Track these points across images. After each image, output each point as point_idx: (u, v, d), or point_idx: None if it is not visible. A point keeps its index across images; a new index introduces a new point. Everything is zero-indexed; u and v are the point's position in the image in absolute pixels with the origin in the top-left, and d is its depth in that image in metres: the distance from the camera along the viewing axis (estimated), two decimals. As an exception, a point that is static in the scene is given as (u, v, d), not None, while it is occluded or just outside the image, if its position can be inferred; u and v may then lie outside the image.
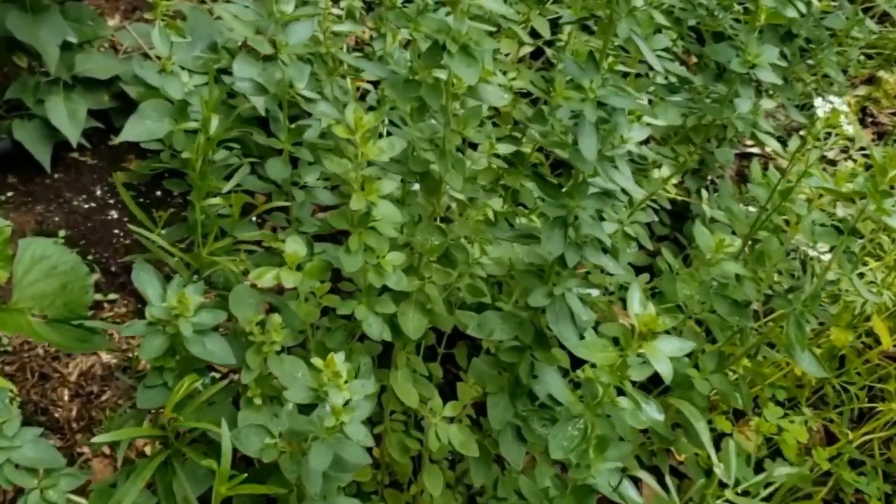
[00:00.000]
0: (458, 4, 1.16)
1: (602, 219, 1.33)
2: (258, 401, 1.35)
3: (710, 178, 2.00)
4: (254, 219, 1.75)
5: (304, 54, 1.35)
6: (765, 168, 1.63)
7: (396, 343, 1.36)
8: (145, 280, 1.33)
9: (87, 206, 2.24)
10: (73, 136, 2.19)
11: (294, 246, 1.28)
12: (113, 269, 2.11)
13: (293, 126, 1.43)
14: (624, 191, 1.26)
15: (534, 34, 2.09)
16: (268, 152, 1.42)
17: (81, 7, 2.26)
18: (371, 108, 1.59)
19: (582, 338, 1.31)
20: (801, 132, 1.79)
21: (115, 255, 2.14)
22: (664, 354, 1.00)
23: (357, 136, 1.10)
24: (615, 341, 1.04)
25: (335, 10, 1.48)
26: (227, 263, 1.36)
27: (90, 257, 2.12)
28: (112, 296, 2.07)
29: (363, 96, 1.63)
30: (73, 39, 2.21)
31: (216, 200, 1.34)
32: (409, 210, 1.30)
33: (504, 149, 1.36)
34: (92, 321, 1.50)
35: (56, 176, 2.31)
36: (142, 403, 1.32)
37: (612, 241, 1.37)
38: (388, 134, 1.55)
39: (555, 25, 2.11)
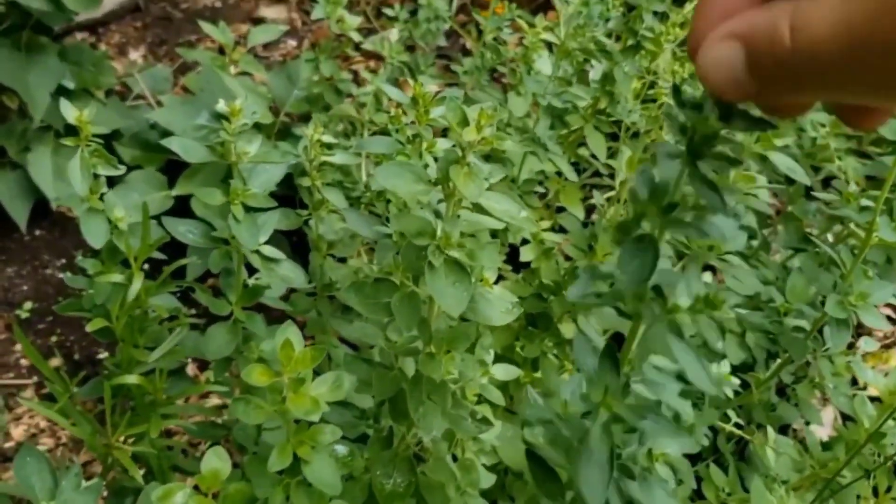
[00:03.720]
0: (452, 198, 0.83)
1: None
2: None
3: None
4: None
5: (269, 203, 1.04)
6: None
7: None
8: (30, 471, 1.04)
9: (62, 275, 1.97)
10: (54, 195, 1.92)
11: (213, 462, 0.97)
12: (76, 356, 1.84)
13: (251, 283, 1.13)
14: None
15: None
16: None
17: (83, 49, 2.00)
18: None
19: None
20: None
21: (82, 339, 1.86)
22: None
23: (285, 378, 0.78)
24: None
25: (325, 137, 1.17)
26: (129, 465, 1.06)
27: (53, 338, 1.86)
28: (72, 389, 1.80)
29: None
30: (69, 85, 1.95)
31: (133, 380, 1.05)
32: (367, 427, 0.99)
33: (503, 373, 1.03)
34: (-11, 480, 1.22)
35: (37, 233, 2.05)
36: None
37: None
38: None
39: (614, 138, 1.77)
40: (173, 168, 1.92)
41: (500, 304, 0.92)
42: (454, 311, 0.81)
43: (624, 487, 0.80)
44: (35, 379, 1.78)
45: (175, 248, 1.23)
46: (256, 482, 0.93)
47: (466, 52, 2.48)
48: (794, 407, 1.60)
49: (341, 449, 0.95)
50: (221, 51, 2.23)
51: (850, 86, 0.38)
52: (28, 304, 1.89)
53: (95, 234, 1.04)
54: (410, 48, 2.07)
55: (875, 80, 0.37)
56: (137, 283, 1.02)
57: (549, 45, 1.45)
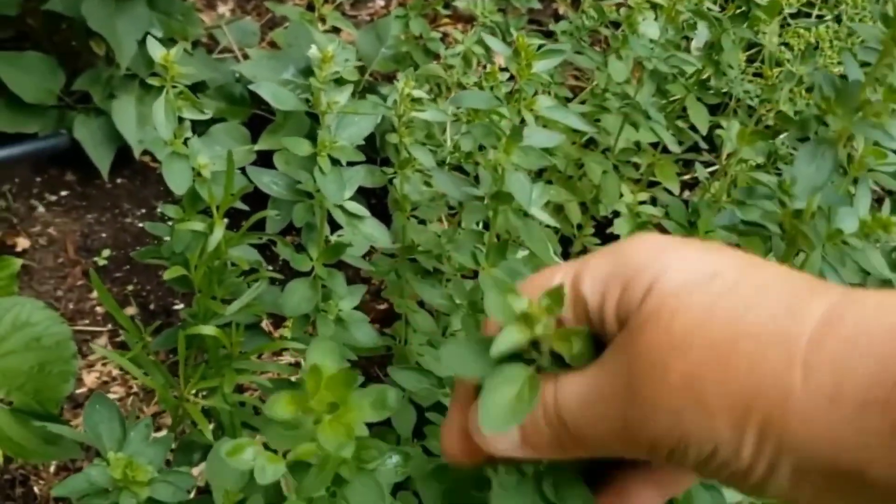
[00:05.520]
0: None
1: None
2: None
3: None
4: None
5: (357, 157, 0.99)
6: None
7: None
8: (99, 420, 1.02)
9: (141, 224, 1.96)
10: (137, 144, 1.91)
11: (285, 422, 0.94)
12: (152, 306, 1.83)
13: (333, 240, 1.09)
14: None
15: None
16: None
17: (174, -2, 1.97)
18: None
19: None
20: None
21: (158, 289, 1.86)
22: None
23: (314, 404, 0.59)
24: None
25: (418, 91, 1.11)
26: (200, 420, 1.03)
27: (130, 287, 1.85)
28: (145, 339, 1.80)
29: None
30: (157, 34, 1.93)
31: (210, 331, 1.01)
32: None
33: None
34: (61, 426, 1.20)
35: (118, 181, 2.05)
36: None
37: None
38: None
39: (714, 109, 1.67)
40: (257, 123, 1.89)
41: None
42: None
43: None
44: (109, 327, 1.78)
45: (256, 202, 1.20)
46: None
47: (559, 18, 2.39)
48: None
49: (393, 460, 0.87)
50: (310, 7, 2.20)
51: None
52: (106, 252, 1.89)
53: (178, 180, 1.01)
54: (502, 10, 2.00)
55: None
56: (219, 233, 0.99)
57: (654, 7, 1.37)
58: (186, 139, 1.03)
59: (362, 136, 1.02)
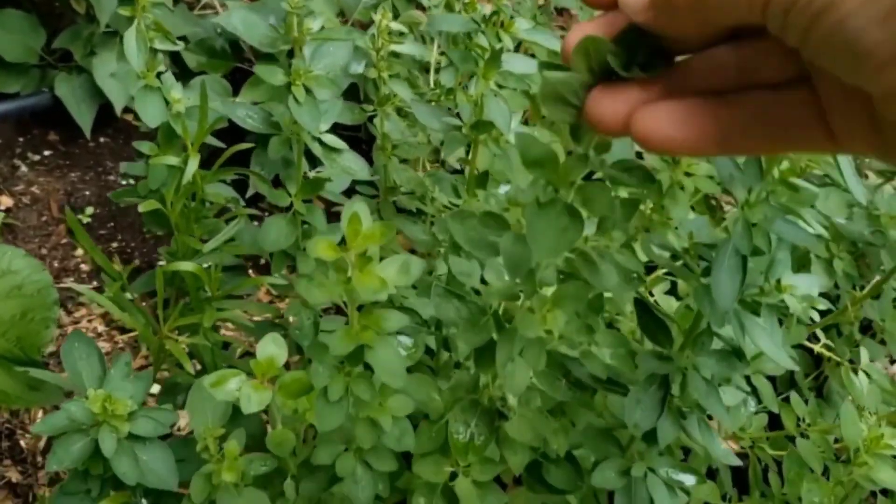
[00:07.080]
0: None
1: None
2: (202, 539, 1.01)
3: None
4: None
5: (332, 87, 0.98)
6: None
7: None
8: (78, 357, 1.01)
9: (125, 181, 1.95)
10: (119, 100, 1.89)
11: (269, 348, 0.93)
12: (136, 262, 1.82)
13: (311, 176, 1.07)
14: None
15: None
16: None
17: (151, -49, 1.94)
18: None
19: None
20: None
21: (142, 245, 1.84)
22: None
23: (351, 255, 0.71)
24: None
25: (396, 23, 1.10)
26: (181, 355, 1.02)
27: (114, 244, 1.84)
28: (128, 295, 1.78)
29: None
30: (137, -12, 1.90)
31: (188, 267, 1.00)
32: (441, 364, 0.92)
33: (610, 342, 0.93)
34: (42, 371, 1.20)
35: (101, 140, 2.03)
36: (52, 517, 1.01)
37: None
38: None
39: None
40: (239, 77, 1.88)
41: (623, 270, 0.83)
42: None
43: (744, 321, 0.77)
44: (95, 283, 1.77)
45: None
46: (315, 371, 0.88)
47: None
48: (879, 344, 1.51)
49: (406, 340, 0.89)
50: (291, -40, 2.17)
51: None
52: (90, 210, 1.88)
53: (151, 114, 1.00)
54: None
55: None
56: (193, 165, 0.97)
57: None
58: (160, 73, 1.02)
59: (338, 65, 1.00)
